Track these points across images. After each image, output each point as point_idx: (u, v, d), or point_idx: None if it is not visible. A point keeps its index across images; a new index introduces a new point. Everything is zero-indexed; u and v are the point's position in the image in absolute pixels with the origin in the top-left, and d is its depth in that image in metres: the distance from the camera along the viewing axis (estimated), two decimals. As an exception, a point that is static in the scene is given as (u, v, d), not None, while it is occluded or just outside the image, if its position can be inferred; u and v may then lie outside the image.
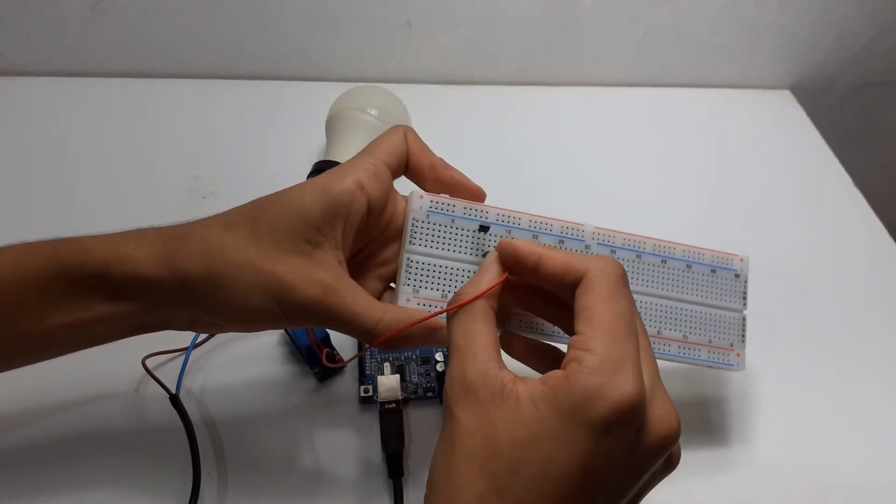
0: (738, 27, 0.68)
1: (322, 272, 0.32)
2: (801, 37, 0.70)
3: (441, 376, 0.43)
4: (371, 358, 0.45)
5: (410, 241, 0.35)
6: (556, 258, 0.29)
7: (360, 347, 0.46)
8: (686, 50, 0.70)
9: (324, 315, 0.32)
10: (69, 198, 0.55)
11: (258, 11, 0.63)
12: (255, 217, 0.32)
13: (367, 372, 0.44)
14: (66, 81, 0.65)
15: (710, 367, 0.40)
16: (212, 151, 0.60)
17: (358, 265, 0.35)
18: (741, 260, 0.41)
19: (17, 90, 0.63)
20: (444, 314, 0.31)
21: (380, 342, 0.32)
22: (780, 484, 0.42)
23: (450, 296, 0.34)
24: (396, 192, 0.36)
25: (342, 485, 0.40)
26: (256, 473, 0.40)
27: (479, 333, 0.28)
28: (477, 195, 0.36)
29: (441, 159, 0.36)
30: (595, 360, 0.25)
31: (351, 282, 0.33)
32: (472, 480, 0.25)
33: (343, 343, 0.46)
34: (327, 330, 0.44)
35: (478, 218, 0.36)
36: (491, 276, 0.30)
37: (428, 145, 0.36)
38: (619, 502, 0.27)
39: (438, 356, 0.45)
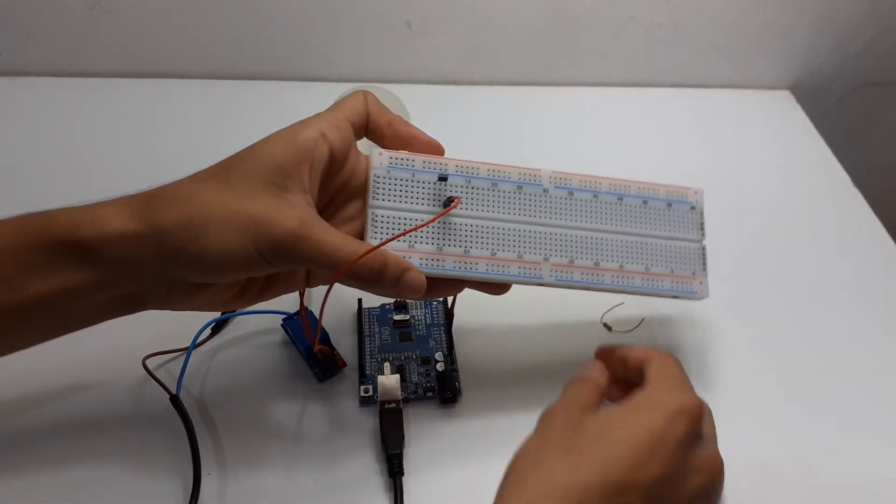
0: (738, 27, 0.68)
1: (296, 209, 0.33)
2: (801, 37, 0.70)
3: (441, 376, 0.43)
4: (371, 358, 0.45)
5: (374, 197, 0.37)
6: (631, 352, 0.35)
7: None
8: (686, 50, 0.70)
9: (302, 250, 0.32)
10: (69, 198, 0.54)
11: (258, 11, 0.63)
12: (226, 169, 0.34)
13: (367, 372, 0.44)
14: (66, 81, 0.65)
15: (675, 297, 0.42)
16: (212, 151, 0.59)
17: None
18: (695, 192, 0.43)
19: (17, 90, 0.63)
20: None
21: (346, 271, 0.33)
22: (778, 483, 0.42)
23: (416, 245, 0.37)
24: (359, 151, 0.38)
25: (342, 484, 0.40)
26: (256, 473, 0.40)
27: (584, 391, 0.34)
28: (434, 149, 0.39)
29: (398, 116, 0.38)
30: (658, 389, 0.32)
31: (323, 220, 0.34)
32: (554, 459, 0.29)
33: (343, 344, 0.46)
34: (317, 318, 0.44)
35: (437, 171, 0.38)
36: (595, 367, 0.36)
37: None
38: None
39: (438, 356, 0.45)
